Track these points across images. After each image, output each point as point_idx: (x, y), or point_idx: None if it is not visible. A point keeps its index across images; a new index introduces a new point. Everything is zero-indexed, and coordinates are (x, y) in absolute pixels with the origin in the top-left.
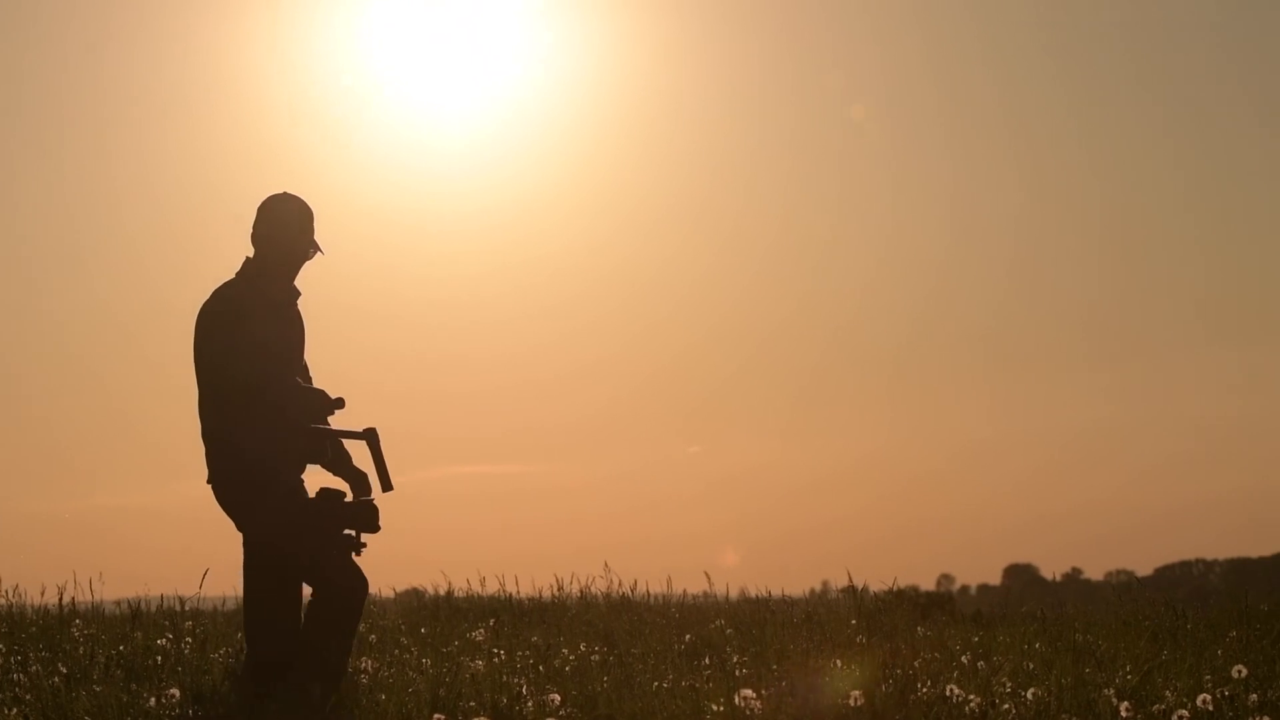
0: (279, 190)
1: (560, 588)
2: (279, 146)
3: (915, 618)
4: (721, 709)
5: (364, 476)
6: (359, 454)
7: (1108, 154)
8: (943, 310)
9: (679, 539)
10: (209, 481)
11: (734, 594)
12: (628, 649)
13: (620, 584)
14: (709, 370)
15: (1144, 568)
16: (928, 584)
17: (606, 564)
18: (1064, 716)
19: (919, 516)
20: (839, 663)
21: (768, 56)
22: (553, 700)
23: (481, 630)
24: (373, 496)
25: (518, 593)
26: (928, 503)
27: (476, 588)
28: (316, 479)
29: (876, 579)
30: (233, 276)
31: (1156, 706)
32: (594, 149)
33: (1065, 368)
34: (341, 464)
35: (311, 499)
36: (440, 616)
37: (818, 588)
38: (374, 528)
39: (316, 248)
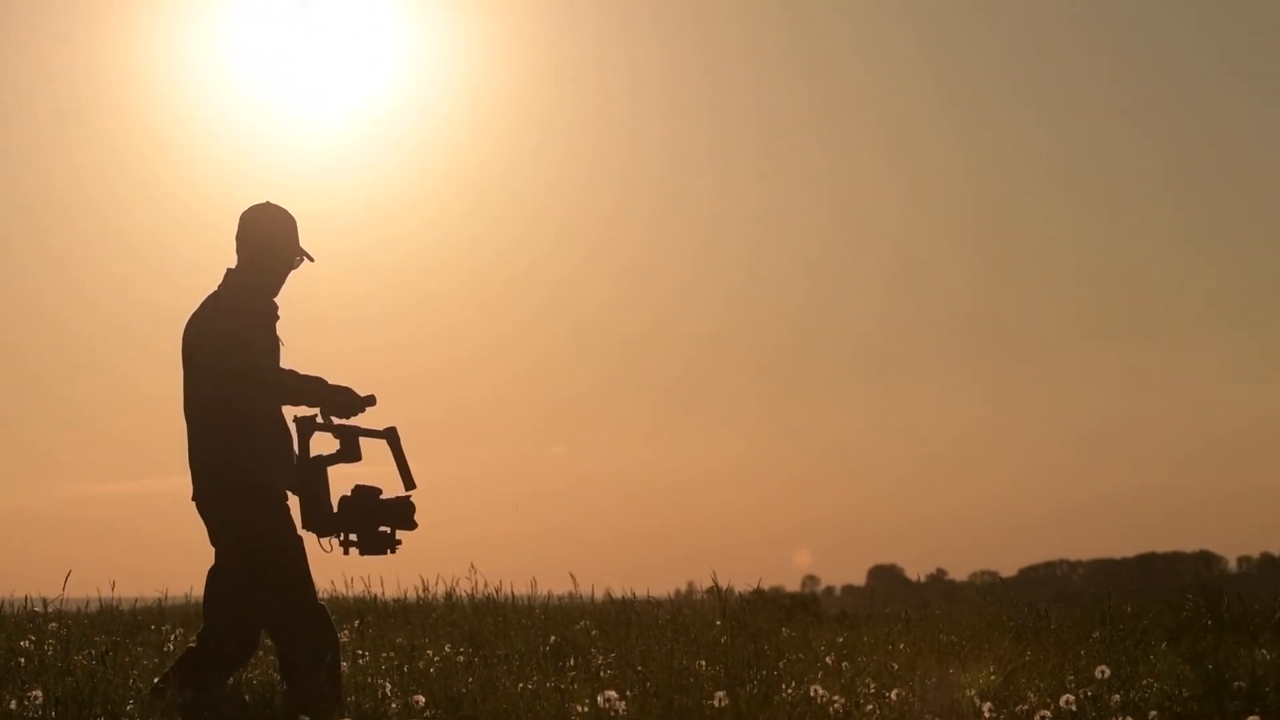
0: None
1: (426, 589)
2: (140, 148)
3: (780, 619)
4: (585, 710)
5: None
6: (380, 453)
7: (983, 156)
8: (815, 313)
9: (545, 539)
10: (194, 497)
11: (599, 595)
12: (493, 650)
13: (486, 585)
14: (573, 372)
15: (1008, 569)
16: (793, 585)
17: (473, 565)
18: (927, 717)
19: (784, 518)
20: (703, 664)
21: (638, 62)
22: (417, 702)
23: (346, 632)
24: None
25: (383, 594)
26: (793, 504)
27: (342, 589)
28: (349, 476)
29: (741, 580)
30: (217, 288)
31: (1019, 707)
32: (459, 152)
33: (937, 371)
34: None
35: (346, 495)
36: None
37: (683, 589)
38: (410, 524)
39: (306, 255)
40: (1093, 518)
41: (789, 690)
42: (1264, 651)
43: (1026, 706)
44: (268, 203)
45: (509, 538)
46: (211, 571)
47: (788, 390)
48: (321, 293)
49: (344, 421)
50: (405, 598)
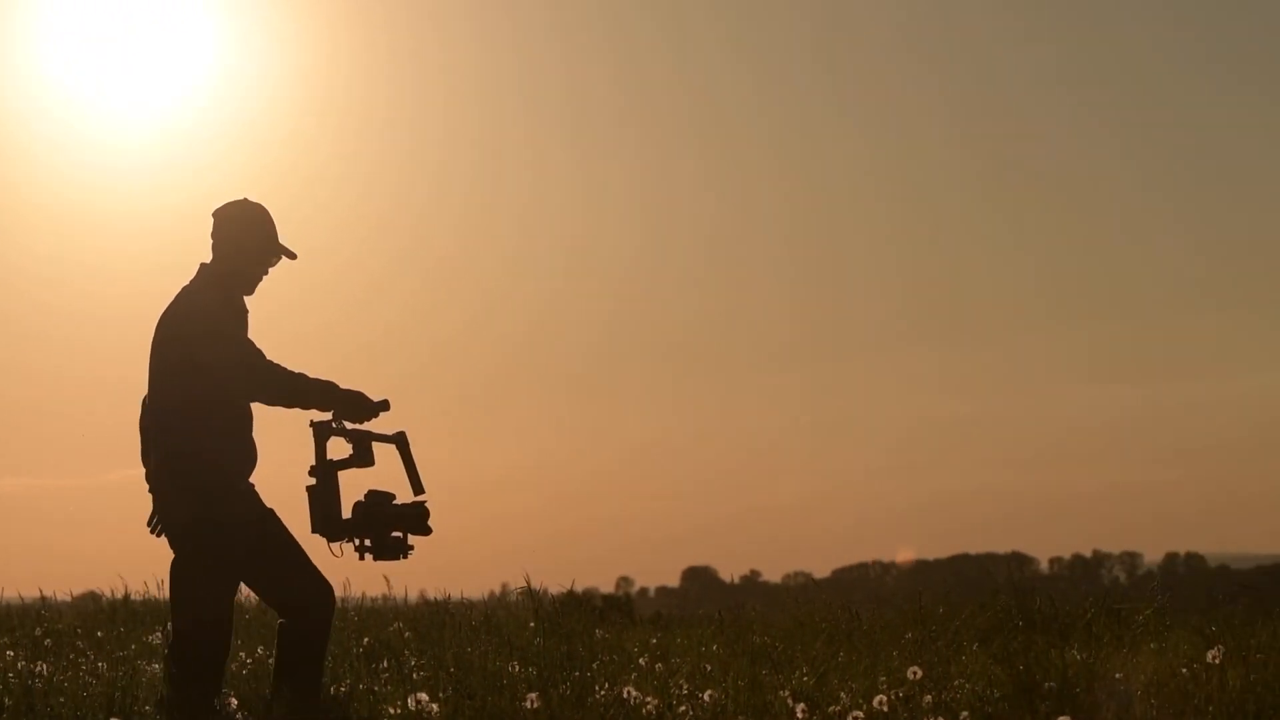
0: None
1: (240, 592)
2: None
3: (594, 620)
4: (398, 712)
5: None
6: (389, 458)
7: (803, 158)
8: (629, 314)
9: None
10: (153, 490)
11: (413, 597)
12: None
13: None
14: (383, 372)
15: (822, 570)
16: (607, 586)
17: None
18: (740, 718)
19: (598, 519)
20: (516, 666)
21: (452, 65)
22: (229, 704)
23: (159, 634)
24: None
25: None
26: (607, 505)
27: (154, 591)
28: (361, 482)
29: (555, 581)
30: (190, 282)
31: (832, 708)
32: (271, 152)
33: (752, 372)
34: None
35: (359, 500)
36: (117, 620)
37: (496, 590)
38: (424, 530)
39: (286, 252)
40: (907, 518)
41: (602, 692)
42: (1075, 652)
43: (839, 707)
44: (244, 199)
45: (322, 541)
46: (176, 568)
47: (601, 390)
48: (132, 292)
49: (357, 426)
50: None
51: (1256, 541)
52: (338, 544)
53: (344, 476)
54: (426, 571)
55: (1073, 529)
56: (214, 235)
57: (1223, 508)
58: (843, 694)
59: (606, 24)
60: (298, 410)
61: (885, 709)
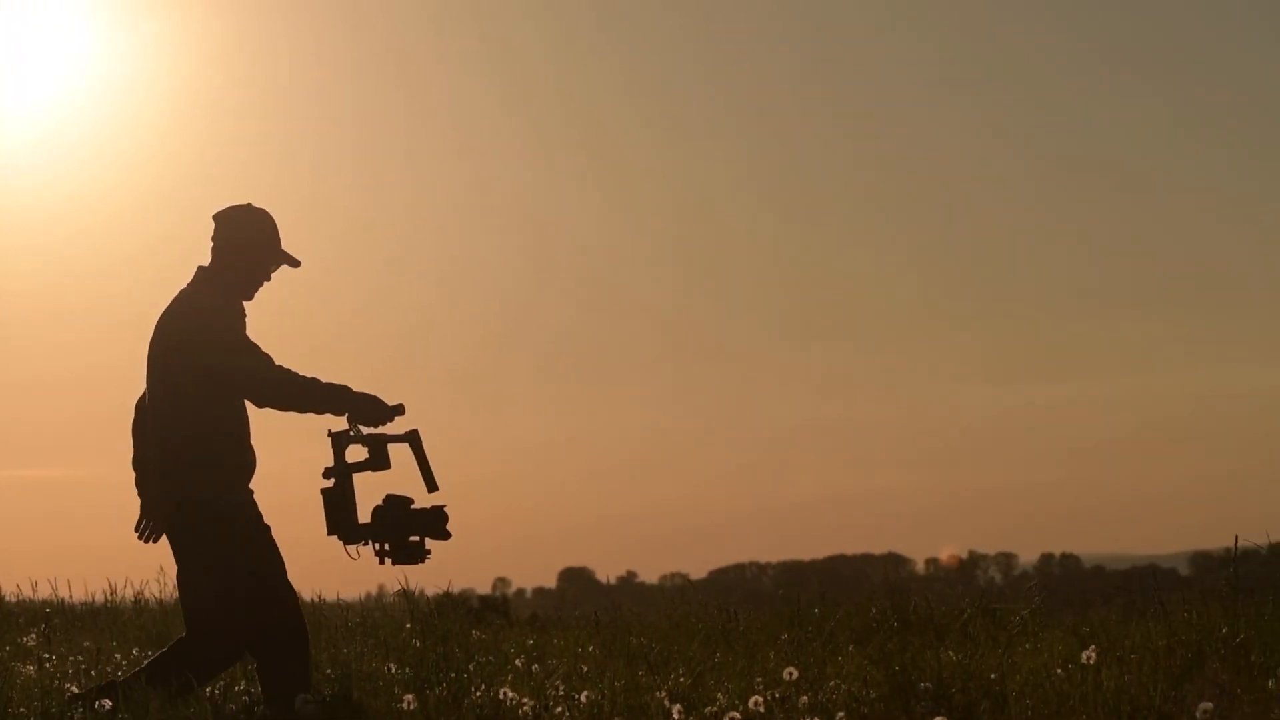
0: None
1: (114, 592)
2: None
3: (470, 621)
4: (274, 713)
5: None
6: (402, 457)
7: (679, 160)
8: (507, 314)
9: None
10: (166, 500)
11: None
12: None
13: (174, 588)
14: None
15: (699, 570)
16: (484, 587)
17: (161, 568)
18: (617, 719)
19: (475, 520)
20: (393, 667)
21: (327, 62)
22: (104, 705)
23: (33, 635)
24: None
25: (70, 597)
26: (484, 506)
27: (28, 592)
28: (378, 485)
29: (431, 583)
30: (188, 285)
31: (709, 709)
32: (142, 153)
33: (628, 373)
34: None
35: (378, 505)
36: None
37: (373, 591)
38: (443, 534)
39: (289, 259)
40: (781, 520)
41: (479, 693)
42: (950, 653)
43: (715, 708)
44: (248, 204)
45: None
46: (185, 579)
47: (477, 393)
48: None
49: (371, 430)
50: (93, 600)
51: (1131, 543)
52: (354, 547)
53: (363, 479)
54: (303, 573)
55: (949, 530)
56: (215, 238)
57: (1098, 509)
58: (719, 695)
59: (485, 20)
60: (288, 414)
61: (761, 710)
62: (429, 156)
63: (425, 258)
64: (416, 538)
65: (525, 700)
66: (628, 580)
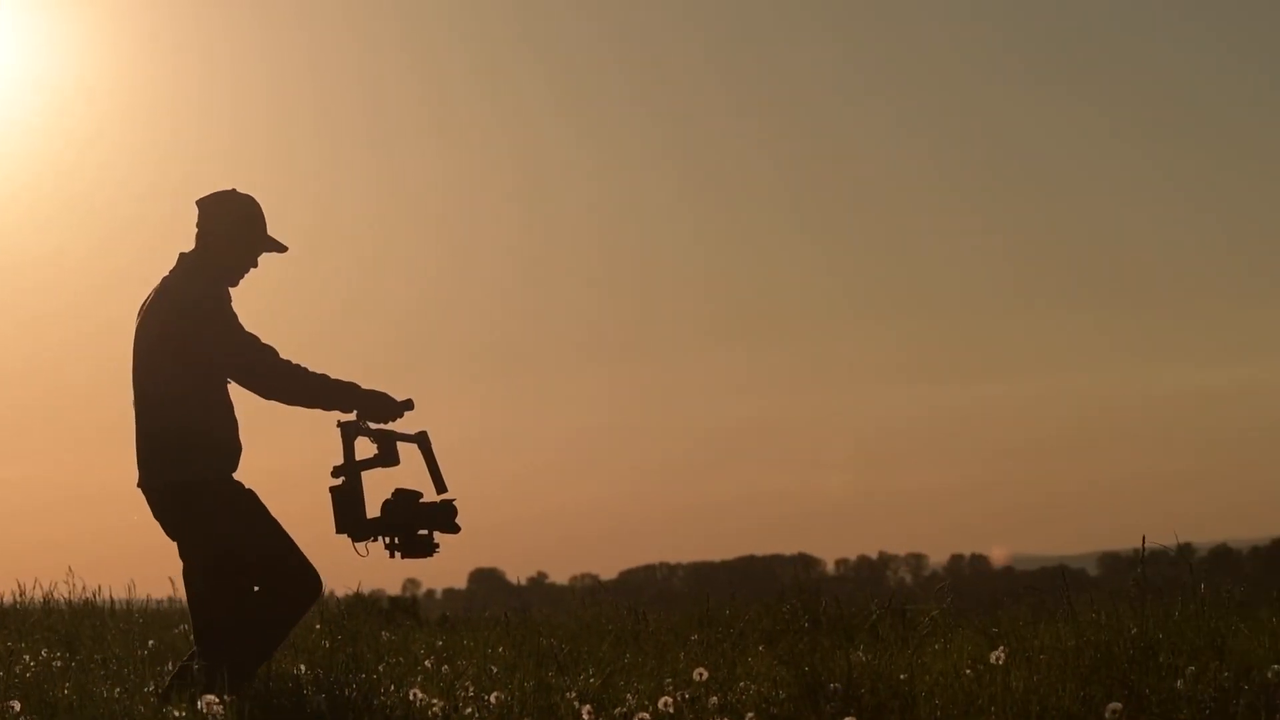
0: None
1: (22, 593)
2: None
3: (380, 622)
4: (183, 714)
5: None
6: (410, 456)
7: (604, 160)
8: (428, 313)
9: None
10: (153, 485)
11: None
12: (90, 655)
13: (84, 589)
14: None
15: (609, 571)
16: (394, 588)
17: (70, 569)
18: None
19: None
20: (303, 668)
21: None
22: (12, 708)
23: None
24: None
25: None
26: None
27: None
28: (387, 481)
29: (341, 584)
30: (171, 272)
31: (618, 709)
32: (71, 154)
33: (541, 374)
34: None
35: (387, 500)
36: None
37: None
38: (452, 528)
39: (276, 245)
40: (691, 521)
41: (388, 694)
42: (860, 653)
43: (625, 709)
44: (233, 190)
45: (108, 541)
46: (193, 572)
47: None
48: None
49: (380, 426)
50: (1, 601)
51: (1040, 543)
52: (363, 543)
53: (371, 475)
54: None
55: (859, 531)
56: (200, 225)
57: (1008, 510)
58: (629, 695)
59: (406, 24)
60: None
61: (671, 710)
62: (341, 150)
63: (337, 257)
64: (425, 531)
65: (435, 701)
66: (538, 581)
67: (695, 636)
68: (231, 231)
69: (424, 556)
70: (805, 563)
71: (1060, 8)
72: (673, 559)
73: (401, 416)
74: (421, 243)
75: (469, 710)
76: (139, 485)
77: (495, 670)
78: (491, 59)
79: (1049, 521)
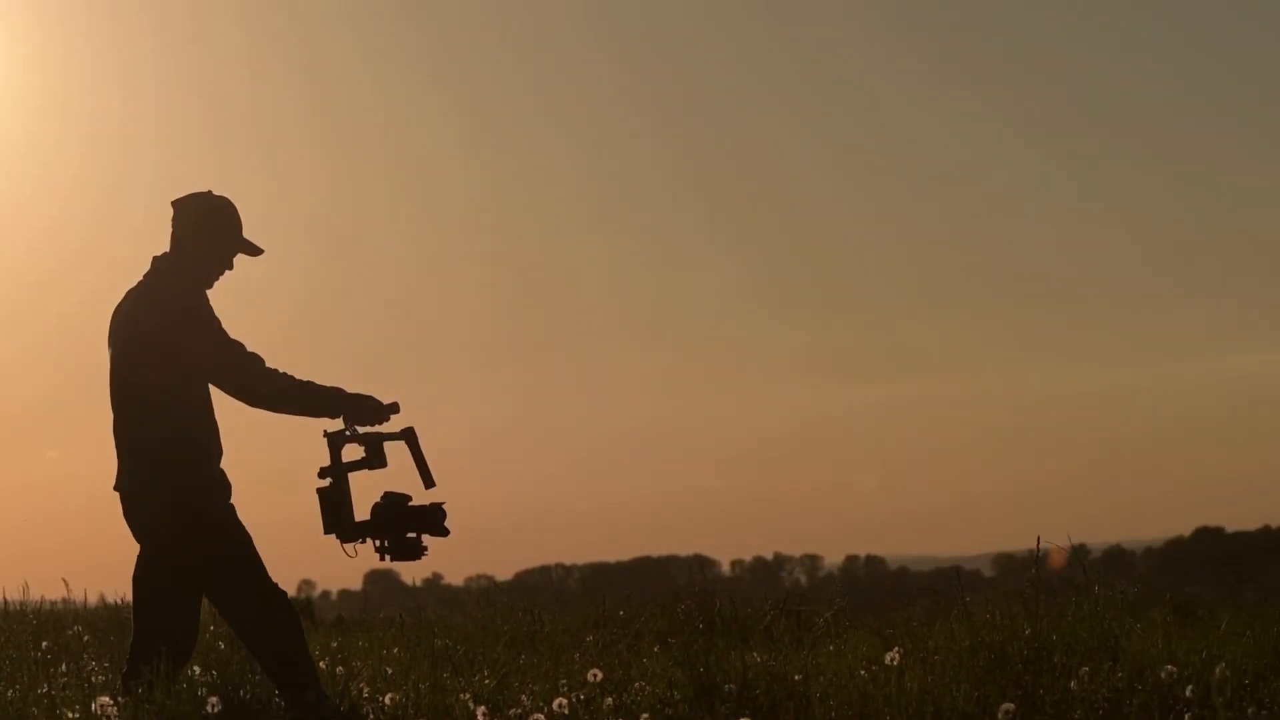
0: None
1: None
2: None
3: None
4: (77, 716)
5: None
6: (398, 454)
7: (505, 157)
8: (321, 311)
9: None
10: (122, 488)
11: (92, 600)
12: None
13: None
14: (63, 373)
15: (505, 572)
16: (289, 589)
17: None
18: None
19: (279, 520)
20: (198, 670)
21: (129, 60)
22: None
23: None
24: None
25: None
26: (287, 506)
27: None
28: (375, 484)
29: None
30: (146, 275)
31: (513, 710)
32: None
33: (440, 373)
34: None
35: (377, 502)
36: None
37: None
38: (441, 531)
39: (251, 248)
40: (588, 521)
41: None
42: (755, 654)
43: (520, 710)
44: (208, 191)
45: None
46: (146, 573)
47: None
48: None
49: (367, 428)
50: None
51: (935, 544)
52: (351, 545)
53: (360, 476)
54: (106, 572)
55: (754, 532)
56: (175, 226)
57: (903, 511)
58: (524, 697)
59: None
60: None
61: (566, 712)
62: (230, 157)
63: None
64: (414, 534)
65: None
66: (433, 582)
67: (591, 638)
68: (205, 234)
69: (412, 559)
70: (701, 564)
71: (957, 5)
72: (569, 560)
73: (389, 420)
74: (316, 238)
75: (364, 711)
76: (116, 489)
77: (390, 671)
78: (379, 62)
79: (944, 523)
